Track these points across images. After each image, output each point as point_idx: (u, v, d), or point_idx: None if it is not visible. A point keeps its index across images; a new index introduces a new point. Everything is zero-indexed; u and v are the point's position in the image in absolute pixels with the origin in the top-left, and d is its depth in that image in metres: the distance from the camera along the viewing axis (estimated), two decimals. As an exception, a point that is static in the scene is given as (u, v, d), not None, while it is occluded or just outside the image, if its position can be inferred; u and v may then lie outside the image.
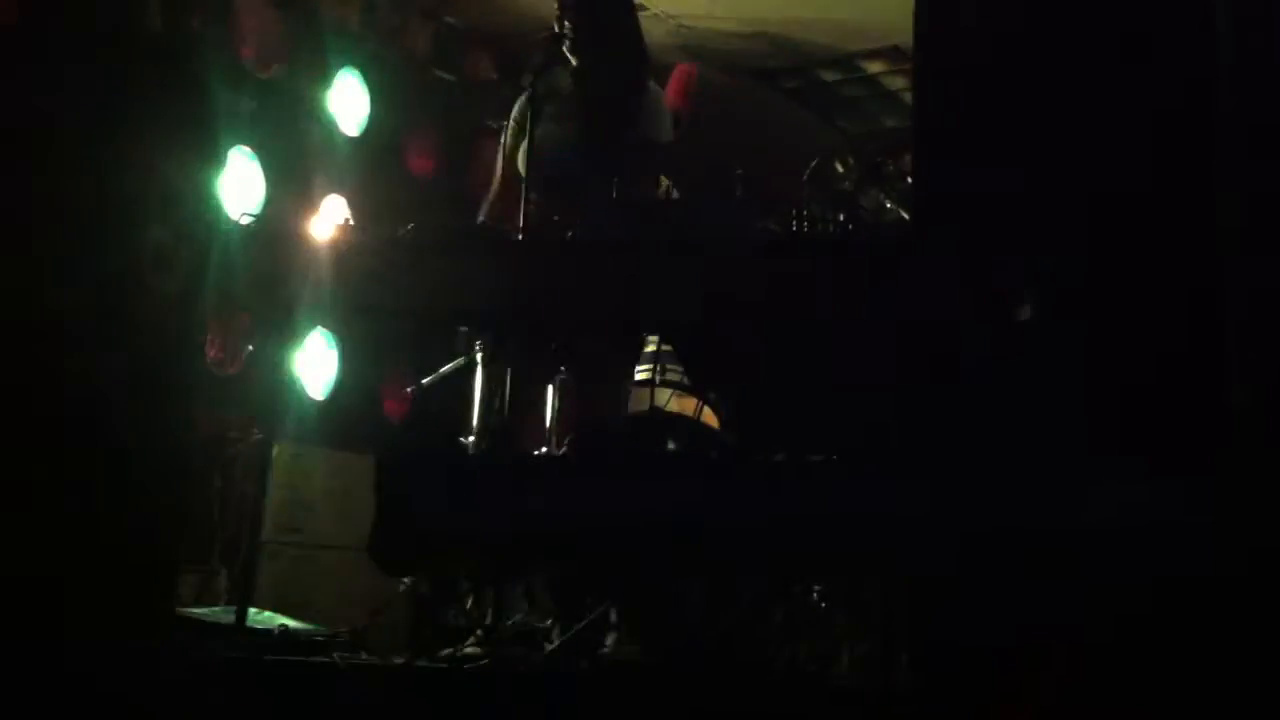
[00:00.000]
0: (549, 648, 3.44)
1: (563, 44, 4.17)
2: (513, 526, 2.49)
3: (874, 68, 6.27)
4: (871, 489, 2.64)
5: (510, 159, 4.28)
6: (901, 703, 2.67)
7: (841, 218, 3.18)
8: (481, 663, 3.33)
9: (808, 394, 2.86)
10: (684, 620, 3.13)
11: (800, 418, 2.89)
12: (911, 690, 2.68)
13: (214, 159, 4.13)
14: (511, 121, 4.36)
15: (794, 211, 3.26)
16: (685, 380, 4.12)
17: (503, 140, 4.41)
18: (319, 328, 5.02)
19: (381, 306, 3.54)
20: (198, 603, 4.34)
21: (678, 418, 4.21)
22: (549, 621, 3.81)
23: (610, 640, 3.67)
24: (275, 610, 3.99)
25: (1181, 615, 2.38)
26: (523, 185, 3.98)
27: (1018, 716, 2.17)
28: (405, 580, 4.56)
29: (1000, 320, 2.56)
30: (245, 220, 4.32)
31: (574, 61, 4.18)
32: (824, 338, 2.85)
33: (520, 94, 4.37)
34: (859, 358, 2.80)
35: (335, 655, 3.19)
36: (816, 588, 4.04)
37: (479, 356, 4.83)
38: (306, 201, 5.08)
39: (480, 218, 4.34)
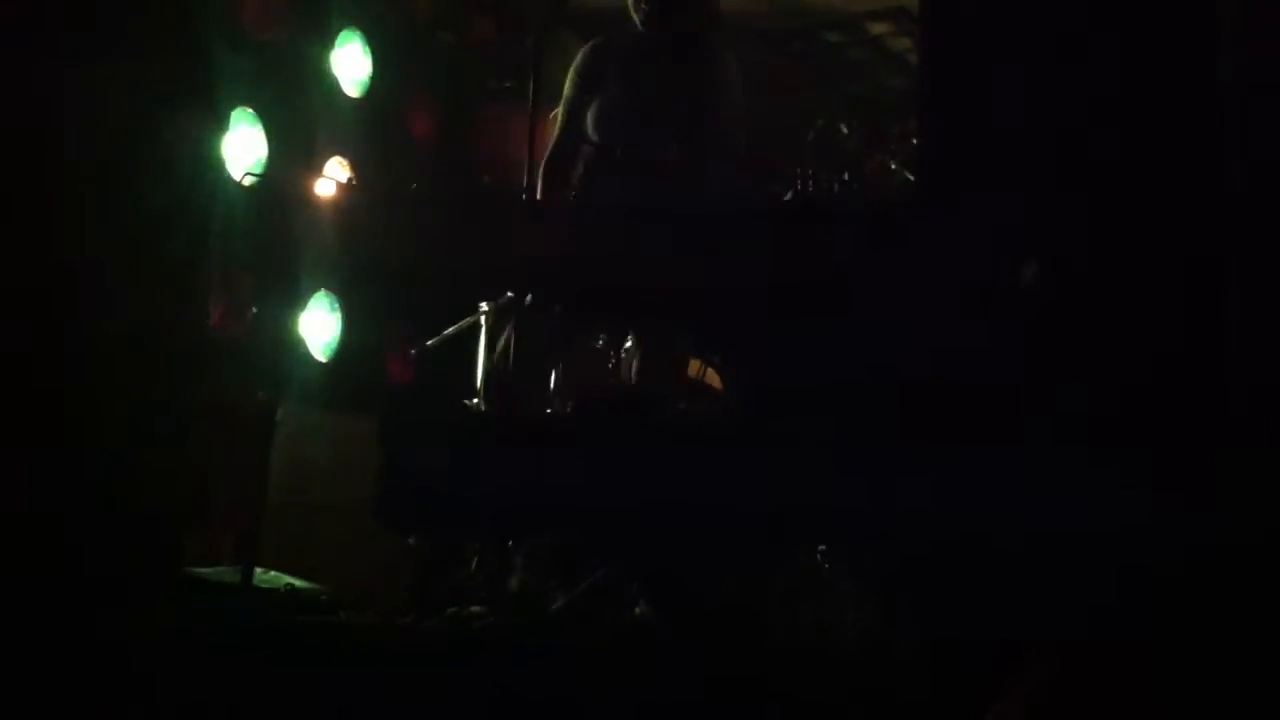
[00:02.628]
0: (554, 608, 3.46)
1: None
2: (515, 489, 2.50)
3: (878, 29, 6.23)
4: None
5: (572, 113, 4.25)
6: (903, 669, 2.70)
7: (846, 179, 3.17)
8: (486, 622, 3.35)
9: (812, 359, 2.87)
10: (688, 585, 3.15)
11: (805, 384, 2.90)
12: (913, 657, 2.70)
13: (215, 121, 4.12)
14: (574, 74, 4.31)
15: (798, 174, 3.24)
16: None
17: (566, 94, 4.35)
18: (323, 289, 5.01)
19: (392, 269, 3.54)
20: (204, 564, 4.36)
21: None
22: (554, 584, 3.83)
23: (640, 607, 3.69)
24: (281, 571, 4.01)
25: (1178, 612, 2.39)
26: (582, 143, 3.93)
27: (1021, 687, 2.19)
28: (410, 541, 4.58)
29: (1003, 288, 2.57)
30: (247, 182, 4.31)
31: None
32: (827, 302, 2.85)
33: (587, 44, 4.32)
34: (864, 325, 2.81)
35: (341, 614, 3.21)
36: (820, 548, 4.07)
37: (483, 319, 4.85)
38: (308, 164, 5.06)
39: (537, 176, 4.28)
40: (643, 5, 4.07)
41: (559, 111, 4.32)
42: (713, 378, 4.21)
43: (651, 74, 4.07)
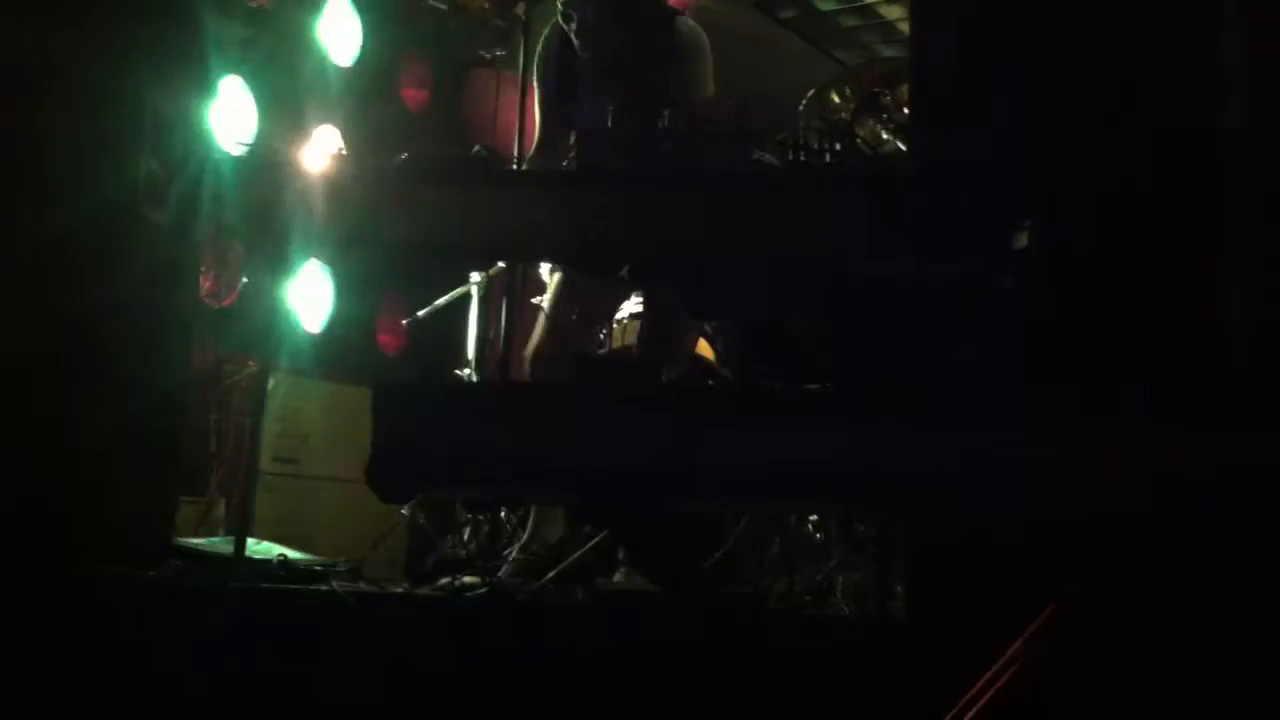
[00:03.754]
0: (547, 576, 3.47)
1: None
2: (507, 455, 2.51)
3: (871, -3, 6.21)
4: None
5: (548, 117, 4.14)
6: (894, 632, 2.71)
7: (837, 148, 3.16)
8: (479, 591, 3.36)
9: (807, 327, 2.87)
10: (680, 550, 3.15)
11: (800, 352, 2.90)
12: (904, 621, 2.71)
13: (206, 88, 4.09)
14: (540, 67, 4.20)
15: (790, 142, 3.23)
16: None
17: (539, 93, 4.28)
18: (314, 259, 5.00)
19: (379, 238, 3.51)
20: (197, 534, 4.36)
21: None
22: (546, 551, 3.84)
23: (619, 574, 3.71)
24: (274, 541, 4.02)
25: (1176, 582, 2.39)
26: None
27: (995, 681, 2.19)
28: (404, 511, 4.59)
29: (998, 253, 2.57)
30: (238, 150, 4.29)
31: None
32: (822, 271, 2.85)
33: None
34: (862, 292, 2.80)
35: (334, 584, 3.22)
36: (811, 518, 4.08)
37: (474, 288, 4.84)
38: (299, 132, 5.04)
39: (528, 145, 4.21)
40: (572, 26, 3.99)
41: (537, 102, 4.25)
42: (704, 348, 4.22)
43: (619, 83, 3.95)
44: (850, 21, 6.39)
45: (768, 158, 3.44)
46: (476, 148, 3.45)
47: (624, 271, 3.18)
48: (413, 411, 2.51)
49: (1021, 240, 2.53)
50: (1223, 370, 2.54)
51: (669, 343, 3.88)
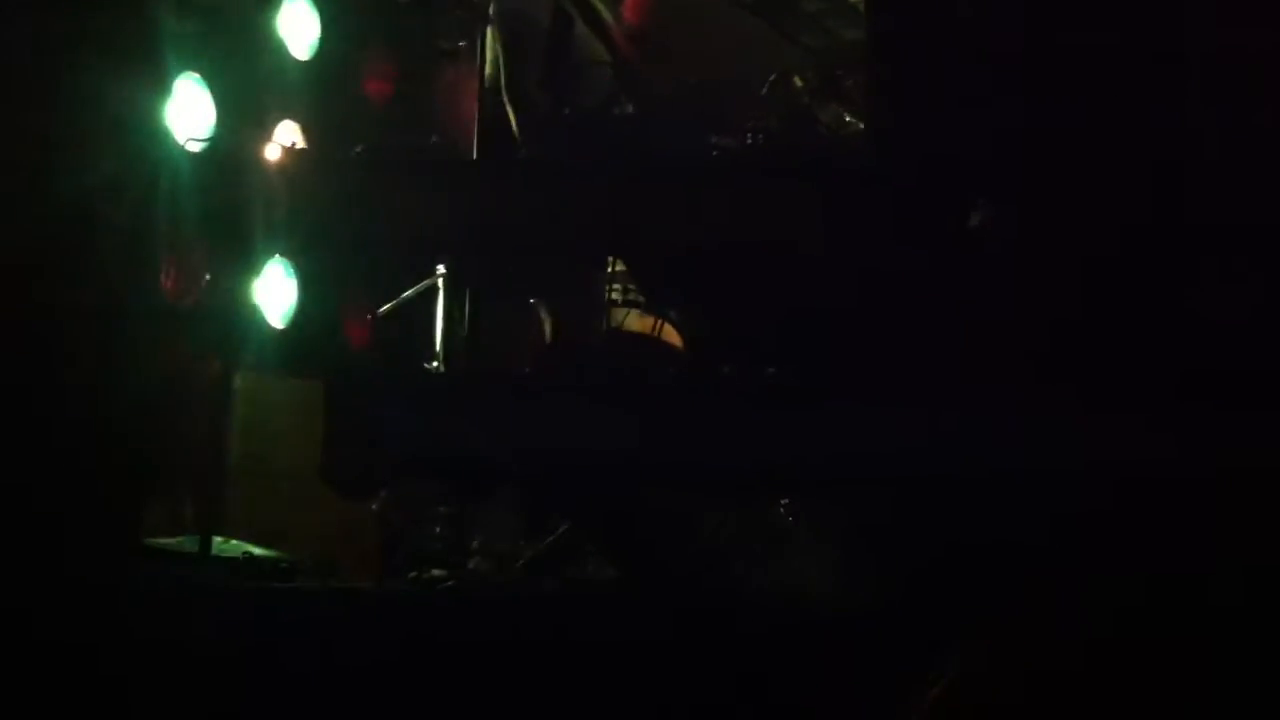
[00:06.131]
0: (515, 567, 3.46)
1: None
2: (463, 446, 2.49)
3: (835, -20, 6.18)
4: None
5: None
6: (869, 624, 2.70)
7: (796, 130, 3.15)
8: (447, 585, 3.35)
9: (768, 313, 2.86)
10: (653, 543, 3.15)
11: (761, 337, 2.89)
12: (879, 613, 2.71)
13: (160, 85, 4.06)
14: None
15: (750, 127, 3.22)
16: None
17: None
18: (276, 255, 4.96)
19: (335, 233, 3.50)
20: (165, 533, 4.33)
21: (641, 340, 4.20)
22: (520, 543, 3.83)
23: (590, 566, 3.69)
24: (244, 539, 4.00)
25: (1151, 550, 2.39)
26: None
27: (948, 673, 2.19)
28: (374, 506, 4.57)
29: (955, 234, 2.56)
30: (195, 148, 4.25)
31: None
32: (780, 256, 2.84)
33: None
34: (817, 275, 2.79)
35: (300, 581, 3.20)
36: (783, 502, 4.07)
37: (440, 281, 4.82)
38: (258, 127, 4.99)
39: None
40: None
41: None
42: (669, 333, 4.20)
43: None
44: (814, 5, 6.37)
45: (728, 143, 3.43)
46: (433, 138, 3.44)
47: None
48: (367, 403, 2.49)
49: (974, 219, 2.52)
50: (1192, 354, 2.54)
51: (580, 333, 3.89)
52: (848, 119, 4.57)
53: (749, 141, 3.20)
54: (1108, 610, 2.16)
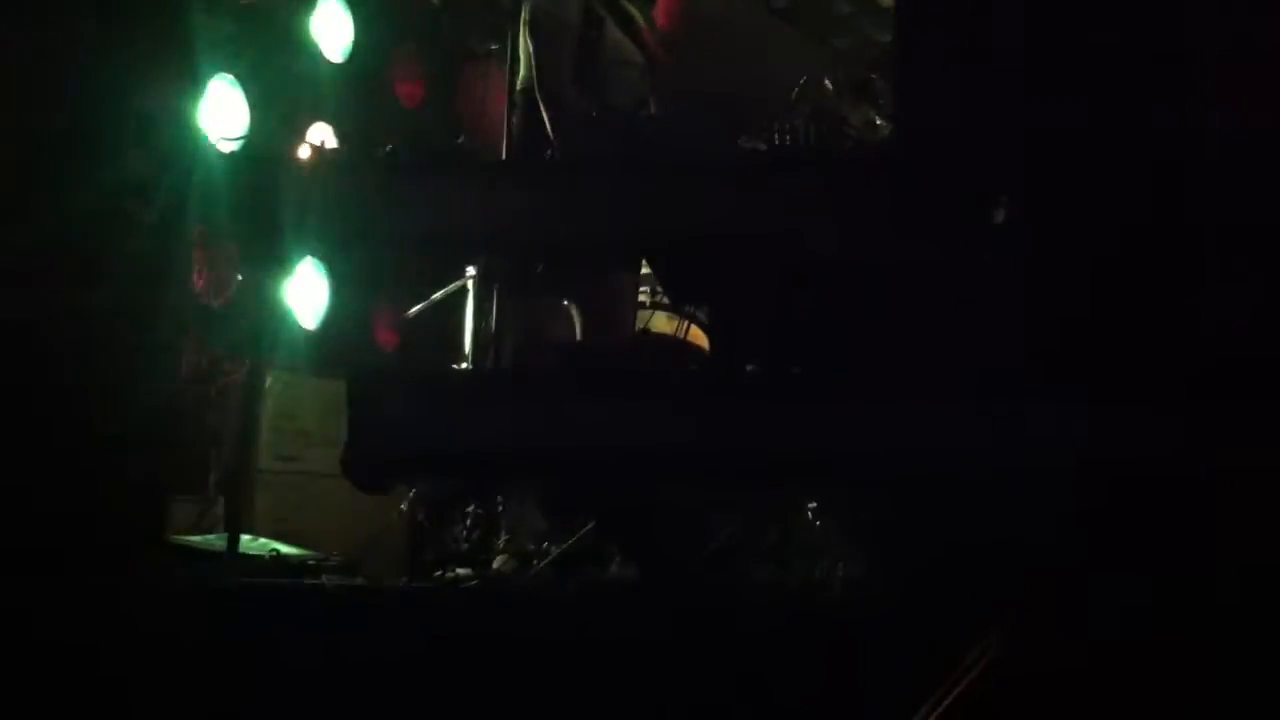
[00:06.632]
0: (537, 567, 3.46)
1: None
2: (479, 443, 2.50)
3: (867, -16, 6.18)
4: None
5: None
6: (882, 621, 2.68)
7: (823, 131, 3.14)
8: (470, 584, 3.36)
9: (798, 315, 2.85)
10: (665, 540, 3.14)
11: (790, 339, 2.88)
12: (893, 610, 2.68)
13: (193, 86, 4.09)
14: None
15: (777, 128, 3.22)
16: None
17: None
18: (309, 256, 5.00)
19: (370, 233, 3.51)
20: (195, 532, 4.37)
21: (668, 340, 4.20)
22: (545, 545, 3.83)
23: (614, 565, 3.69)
24: (273, 539, 4.02)
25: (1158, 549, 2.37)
26: None
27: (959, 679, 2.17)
28: (402, 507, 4.59)
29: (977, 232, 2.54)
30: (229, 148, 4.29)
31: None
32: (807, 257, 2.83)
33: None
34: (847, 278, 2.78)
35: (324, 578, 3.21)
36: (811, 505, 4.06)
37: (470, 283, 4.84)
38: (292, 129, 5.03)
39: None
40: None
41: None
42: (696, 335, 4.20)
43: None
44: (844, 8, 6.37)
45: (757, 145, 3.43)
46: (460, 139, 3.45)
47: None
48: (386, 400, 2.50)
49: (999, 216, 2.51)
50: (1200, 347, 2.52)
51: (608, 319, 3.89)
52: (879, 122, 4.56)
53: (777, 143, 3.19)
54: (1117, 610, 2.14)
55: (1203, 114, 2.65)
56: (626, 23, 4.17)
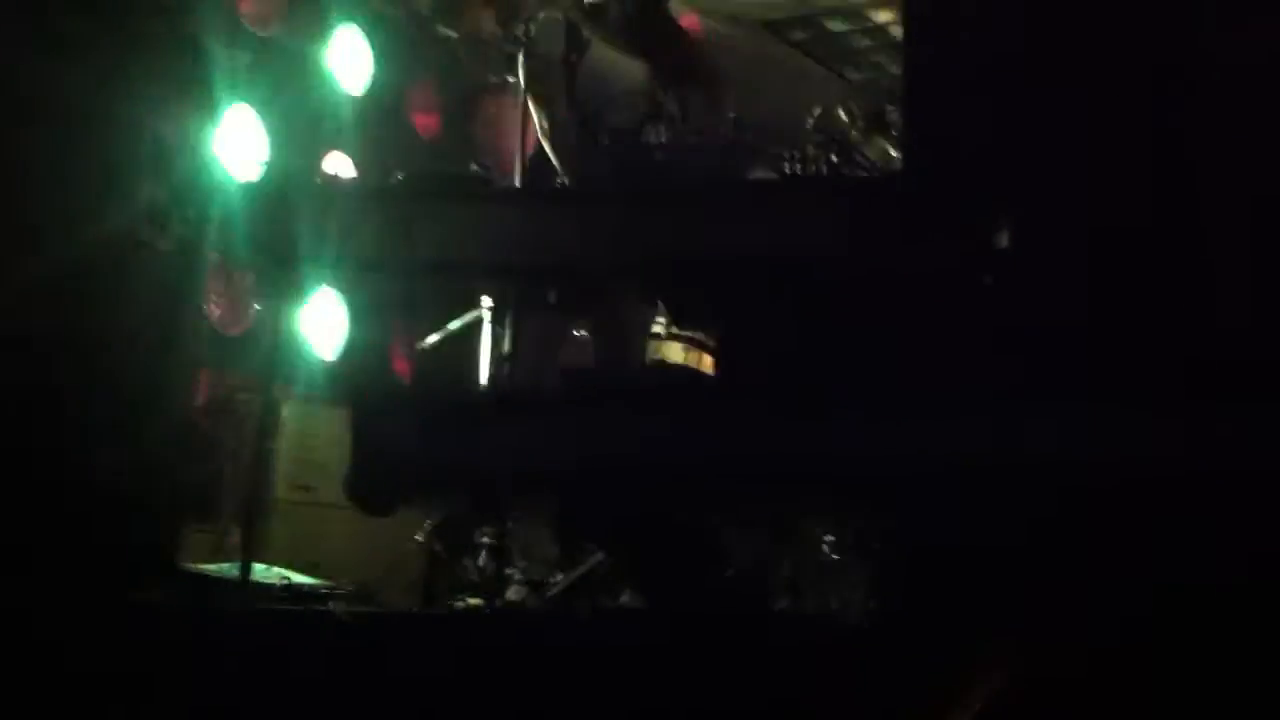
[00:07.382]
0: (549, 594, 3.45)
1: None
2: (481, 465, 2.50)
3: (882, 17, 6.21)
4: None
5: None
6: (887, 640, 2.66)
7: (834, 161, 3.15)
8: (484, 613, 3.35)
9: (804, 342, 2.84)
10: (673, 564, 3.13)
11: (796, 366, 2.87)
12: (899, 630, 2.66)
13: (211, 116, 4.13)
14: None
15: (788, 157, 3.23)
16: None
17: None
18: (326, 285, 5.02)
19: (377, 261, 3.52)
20: (210, 561, 4.37)
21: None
22: (558, 574, 3.83)
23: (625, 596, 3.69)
24: (290, 569, 4.01)
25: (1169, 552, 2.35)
26: None
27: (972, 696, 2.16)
28: (418, 537, 4.59)
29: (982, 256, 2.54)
30: (247, 177, 4.32)
31: None
32: (815, 282, 2.83)
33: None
34: (854, 303, 2.78)
35: (332, 605, 3.21)
36: (828, 538, 4.04)
37: (486, 313, 4.84)
38: (309, 159, 5.07)
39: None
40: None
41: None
42: (706, 364, 4.20)
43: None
44: (860, 42, 6.40)
45: (768, 173, 3.43)
46: (473, 166, 3.47)
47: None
48: (390, 423, 2.51)
49: (1003, 240, 2.51)
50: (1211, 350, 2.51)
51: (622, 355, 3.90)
52: (893, 153, 4.57)
53: (785, 171, 3.20)
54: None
55: (1203, 115, 2.65)
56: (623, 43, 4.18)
